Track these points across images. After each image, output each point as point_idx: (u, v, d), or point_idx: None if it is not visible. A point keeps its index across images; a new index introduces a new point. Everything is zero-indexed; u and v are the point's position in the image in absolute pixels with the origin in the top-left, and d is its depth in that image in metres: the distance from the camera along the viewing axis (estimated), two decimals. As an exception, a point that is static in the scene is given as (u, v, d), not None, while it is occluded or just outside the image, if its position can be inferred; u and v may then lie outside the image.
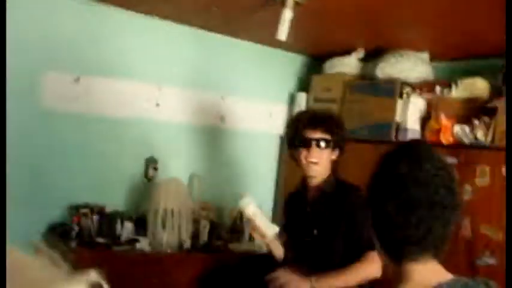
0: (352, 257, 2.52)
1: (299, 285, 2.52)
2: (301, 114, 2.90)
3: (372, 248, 2.28)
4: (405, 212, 1.35)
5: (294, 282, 2.54)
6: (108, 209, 3.63)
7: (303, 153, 2.66)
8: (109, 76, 3.75)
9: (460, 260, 3.37)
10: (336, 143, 2.70)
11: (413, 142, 1.49)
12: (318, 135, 2.65)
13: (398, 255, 1.39)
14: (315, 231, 2.67)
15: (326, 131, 2.66)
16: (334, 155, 2.73)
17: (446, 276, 1.38)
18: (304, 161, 2.67)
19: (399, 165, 1.39)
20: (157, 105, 3.95)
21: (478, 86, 3.61)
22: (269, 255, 2.95)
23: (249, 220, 2.83)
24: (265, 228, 2.78)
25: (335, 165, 2.76)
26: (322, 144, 2.65)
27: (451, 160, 3.47)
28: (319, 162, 2.66)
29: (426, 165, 1.37)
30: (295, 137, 2.69)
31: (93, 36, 3.70)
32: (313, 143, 2.64)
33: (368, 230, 1.48)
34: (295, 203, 2.86)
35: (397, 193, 1.37)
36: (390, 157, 1.45)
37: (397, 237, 1.38)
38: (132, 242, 3.49)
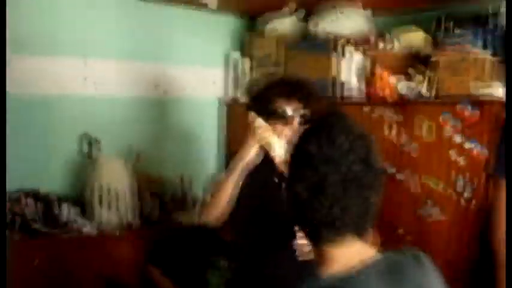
0: None
1: None
2: (271, 82, 2.59)
3: None
4: (316, 194, 1.27)
5: None
6: (52, 193, 3.49)
7: (278, 125, 2.42)
8: (34, 53, 3.56)
9: (404, 211, 3.38)
10: (311, 112, 2.43)
11: (329, 115, 1.37)
12: (293, 106, 2.42)
13: (316, 238, 1.33)
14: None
15: (301, 100, 2.43)
16: None
17: (371, 254, 1.32)
18: (278, 134, 2.41)
19: (309, 144, 1.31)
20: (90, 79, 3.79)
21: (416, 37, 3.58)
22: (211, 228, 2.84)
23: (258, 125, 2.41)
24: (273, 139, 2.40)
25: None
26: (300, 117, 2.42)
27: (390, 113, 3.45)
28: (295, 133, 2.45)
29: (338, 140, 1.28)
30: (267, 108, 2.43)
31: (18, 13, 3.48)
32: (289, 115, 2.42)
33: None
34: (260, 174, 2.52)
35: (307, 174, 1.29)
36: (303, 134, 1.37)
37: (311, 220, 1.31)
38: (78, 225, 3.37)
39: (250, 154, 2.41)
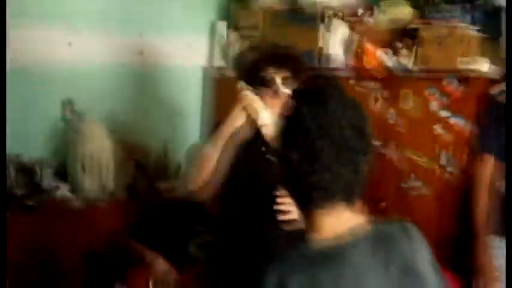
0: None
1: None
2: (259, 49, 2.55)
3: None
4: (309, 159, 1.27)
5: None
6: (25, 158, 3.44)
7: (268, 93, 2.37)
8: (15, 22, 3.47)
9: (387, 184, 3.40)
10: (299, 81, 2.39)
11: (320, 82, 1.38)
12: (282, 73, 2.37)
13: (306, 203, 1.33)
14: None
15: (290, 68, 2.38)
16: None
17: (359, 221, 1.32)
18: (268, 102, 2.36)
19: (301, 109, 1.30)
20: (71, 44, 3.70)
21: (401, 9, 3.56)
22: (194, 202, 2.80)
23: (245, 93, 2.37)
24: (260, 106, 2.36)
25: None
26: (288, 84, 2.37)
27: (375, 85, 3.45)
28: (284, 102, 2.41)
29: (331, 107, 1.28)
30: (257, 75, 2.38)
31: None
32: (279, 82, 2.36)
33: None
34: (248, 145, 2.46)
35: (299, 140, 1.29)
36: (294, 101, 1.35)
37: (302, 185, 1.31)
38: (53, 189, 3.33)
39: (237, 122, 2.37)
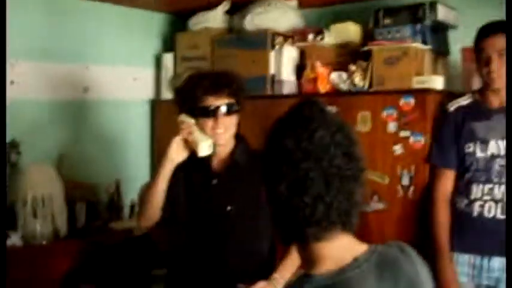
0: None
1: None
2: (197, 78, 2.40)
3: None
4: (298, 192, 1.20)
5: None
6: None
7: (209, 123, 2.29)
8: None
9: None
10: (241, 106, 2.37)
11: (302, 105, 1.29)
12: (223, 101, 2.29)
13: (302, 238, 1.25)
14: (228, 207, 2.34)
15: (231, 94, 2.31)
16: (238, 119, 2.38)
17: (360, 248, 1.27)
18: (210, 132, 2.30)
19: (285, 138, 1.23)
20: (12, 82, 3.54)
21: (350, 31, 3.57)
22: (147, 238, 2.72)
23: (184, 124, 2.33)
24: (200, 138, 2.31)
25: (238, 128, 2.43)
26: (229, 111, 2.30)
27: (330, 108, 3.41)
28: (228, 130, 2.33)
29: (318, 134, 1.21)
30: (196, 106, 2.30)
31: None
32: (219, 111, 2.28)
33: None
34: (189, 174, 2.44)
35: (287, 172, 1.21)
36: (276, 128, 1.28)
37: (294, 221, 1.23)
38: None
39: (178, 155, 2.33)
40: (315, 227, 1.22)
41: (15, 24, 3.53)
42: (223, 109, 2.29)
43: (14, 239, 3.15)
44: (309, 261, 1.27)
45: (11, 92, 3.53)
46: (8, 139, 3.46)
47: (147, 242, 2.99)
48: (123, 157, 4.15)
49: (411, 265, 1.30)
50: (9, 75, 3.53)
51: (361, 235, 3.24)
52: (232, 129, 2.36)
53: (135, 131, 4.29)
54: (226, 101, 2.30)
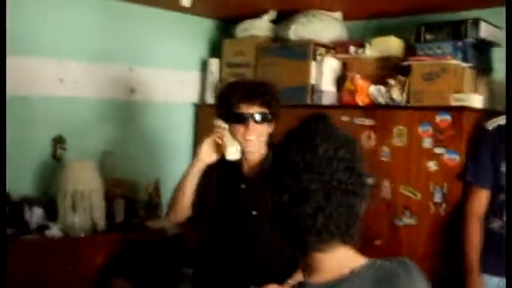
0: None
1: None
2: (233, 86, 2.51)
3: None
4: (299, 203, 1.25)
5: None
6: (15, 195, 3.39)
7: (240, 129, 2.37)
8: (8, 54, 3.46)
9: (381, 221, 3.36)
10: (273, 116, 2.43)
11: (311, 120, 1.33)
12: (255, 109, 2.37)
13: (302, 246, 1.30)
14: (254, 212, 2.40)
15: (263, 104, 2.38)
16: (271, 128, 2.45)
17: (359, 261, 1.30)
18: (241, 138, 2.39)
19: (290, 151, 1.28)
20: (61, 80, 3.70)
21: (392, 45, 3.57)
22: (180, 238, 2.80)
23: (217, 127, 2.42)
24: (229, 142, 2.40)
25: (271, 137, 2.49)
26: (261, 119, 2.38)
27: (367, 121, 3.44)
28: (258, 138, 2.41)
29: (321, 148, 1.26)
30: (230, 112, 2.39)
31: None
32: (251, 119, 2.36)
33: None
34: (221, 176, 2.53)
35: (289, 183, 1.26)
36: (283, 141, 1.33)
37: (295, 230, 1.28)
38: (42, 229, 3.28)
39: (203, 153, 2.42)
40: (315, 237, 1.26)
41: (67, 24, 3.70)
42: (255, 117, 2.36)
43: (54, 230, 3.28)
44: (307, 269, 1.31)
45: (59, 90, 3.69)
46: (54, 135, 3.62)
47: (180, 241, 3.07)
48: (165, 158, 4.25)
49: (410, 281, 1.30)
50: (58, 73, 3.68)
51: (392, 248, 3.28)
52: (263, 137, 2.42)
53: (178, 133, 4.38)
54: (258, 109, 2.37)
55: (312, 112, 1.37)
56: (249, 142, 2.39)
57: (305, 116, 1.36)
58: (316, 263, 1.30)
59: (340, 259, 1.29)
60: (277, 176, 1.31)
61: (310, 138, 1.28)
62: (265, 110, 2.39)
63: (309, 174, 1.24)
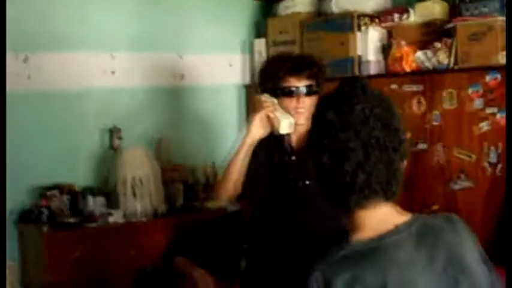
0: None
1: None
2: (278, 60, 2.50)
3: None
4: (339, 162, 1.27)
5: None
6: (78, 186, 3.53)
7: (291, 103, 2.39)
8: (59, 50, 3.61)
9: (437, 186, 3.34)
10: (320, 87, 2.42)
11: (344, 83, 1.35)
12: (303, 82, 2.39)
13: (344, 205, 1.32)
14: (307, 182, 2.41)
15: (311, 76, 2.40)
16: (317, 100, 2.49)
17: (402, 217, 1.31)
18: (292, 111, 2.39)
19: (327, 112, 1.31)
20: (113, 72, 3.81)
21: (436, 8, 3.53)
22: (239, 214, 2.83)
23: (268, 102, 2.40)
24: (282, 116, 2.38)
25: None
26: (310, 91, 2.39)
27: (416, 87, 3.41)
28: (307, 110, 2.38)
29: (357, 107, 1.28)
30: (278, 86, 2.40)
31: (38, 11, 3.55)
32: (301, 92, 2.38)
33: None
34: (269, 152, 2.53)
35: (328, 143, 1.29)
36: (320, 104, 1.37)
37: (338, 188, 1.30)
38: (106, 216, 3.41)
39: (258, 132, 2.40)
40: (357, 195, 1.29)
41: (111, 18, 3.81)
42: (304, 90, 2.38)
43: (116, 217, 3.40)
44: (352, 228, 1.33)
45: (111, 81, 3.80)
46: (110, 125, 3.74)
47: (239, 218, 3.11)
48: (219, 140, 4.30)
49: (455, 236, 1.31)
50: (110, 65, 3.79)
51: (449, 212, 3.24)
52: (311, 110, 2.42)
53: (230, 115, 4.44)
54: (307, 82, 2.39)
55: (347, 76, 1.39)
56: (301, 114, 2.39)
57: (340, 80, 1.38)
58: (359, 220, 1.32)
59: (384, 215, 1.31)
60: (316, 136, 1.34)
61: (345, 99, 1.31)
62: (313, 82, 2.40)
63: (346, 133, 1.27)
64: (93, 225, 3.36)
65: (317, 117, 1.36)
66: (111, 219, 3.39)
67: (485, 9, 3.24)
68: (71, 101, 3.67)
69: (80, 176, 3.64)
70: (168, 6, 4.08)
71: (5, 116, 2.37)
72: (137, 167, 3.46)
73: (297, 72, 2.38)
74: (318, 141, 1.33)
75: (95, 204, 3.45)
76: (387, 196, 1.31)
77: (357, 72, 3.73)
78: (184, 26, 4.15)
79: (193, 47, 4.21)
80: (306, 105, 2.38)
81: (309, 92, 2.39)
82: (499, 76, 3.08)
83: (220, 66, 4.36)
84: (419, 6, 3.59)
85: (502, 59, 3.11)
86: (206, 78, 4.27)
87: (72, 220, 3.32)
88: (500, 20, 3.15)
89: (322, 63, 2.49)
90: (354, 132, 1.27)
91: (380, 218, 1.31)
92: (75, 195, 3.47)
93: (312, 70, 2.41)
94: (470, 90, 3.19)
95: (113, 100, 3.81)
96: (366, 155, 1.26)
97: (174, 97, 4.13)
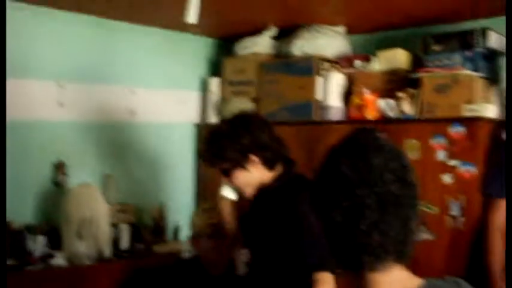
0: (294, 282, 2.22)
1: None
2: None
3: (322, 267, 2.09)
4: (353, 219, 1.17)
5: None
6: (16, 224, 3.28)
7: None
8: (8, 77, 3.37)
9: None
10: (234, 165, 2.32)
11: (358, 134, 1.27)
12: (217, 168, 2.39)
13: (355, 266, 1.22)
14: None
15: (212, 164, 2.39)
16: (253, 167, 2.32)
17: (413, 281, 1.22)
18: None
19: (341, 165, 1.20)
20: (60, 104, 3.60)
21: (399, 57, 3.52)
22: (195, 260, 2.72)
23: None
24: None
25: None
26: (224, 174, 2.38)
27: (382, 135, 3.36)
28: (241, 185, 2.39)
29: (374, 161, 1.19)
30: None
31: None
32: (224, 174, 2.39)
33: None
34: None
35: (342, 198, 1.19)
36: (332, 155, 1.26)
37: (349, 247, 1.20)
38: (47, 258, 3.17)
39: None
40: (369, 255, 1.19)
41: (62, 48, 3.62)
42: (223, 173, 2.39)
43: (59, 259, 3.17)
44: None
45: (59, 114, 3.59)
46: (54, 160, 3.52)
47: (197, 265, 2.94)
48: (168, 180, 4.15)
49: None
50: (59, 97, 3.59)
51: (409, 264, 3.17)
52: (243, 183, 2.38)
53: (180, 154, 4.29)
54: (218, 167, 2.38)
55: (355, 127, 1.30)
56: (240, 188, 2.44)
57: (350, 131, 1.29)
58: (370, 284, 1.22)
59: (396, 279, 1.21)
60: (328, 191, 1.23)
61: (360, 152, 1.21)
62: (224, 166, 2.35)
63: (363, 189, 1.17)
64: (34, 267, 3.11)
65: (328, 170, 1.25)
66: (53, 261, 3.15)
67: (449, 62, 3.26)
68: (15, 132, 3.43)
69: (21, 213, 3.38)
70: (124, 39, 3.92)
71: (5, 117, 2.32)
72: (84, 206, 3.25)
73: (209, 165, 2.42)
74: (329, 197, 1.22)
75: (35, 244, 3.20)
76: (400, 258, 1.21)
77: (316, 117, 3.66)
78: (138, 60, 4.00)
79: (146, 83, 4.06)
80: (235, 183, 2.41)
81: (226, 174, 2.37)
82: (463, 129, 3.07)
83: (173, 103, 4.22)
84: (381, 54, 3.58)
85: (466, 111, 3.11)
86: (158, 114, 4.12)
87: (9, 262, 3.05)
88: (465, 73, 3.17)
89: (219, 145, 2.33)
90: (370, 188, 1.17)
91: (392, 282, 1.21)
92: (14, 234, 3.21)
93: (208, 159, 2.39)
94: (433, 142, 3.17)
95: (60, 133, 3.60)
96: (381, 213, 1.17)
97: (124, 133, 3.95)
